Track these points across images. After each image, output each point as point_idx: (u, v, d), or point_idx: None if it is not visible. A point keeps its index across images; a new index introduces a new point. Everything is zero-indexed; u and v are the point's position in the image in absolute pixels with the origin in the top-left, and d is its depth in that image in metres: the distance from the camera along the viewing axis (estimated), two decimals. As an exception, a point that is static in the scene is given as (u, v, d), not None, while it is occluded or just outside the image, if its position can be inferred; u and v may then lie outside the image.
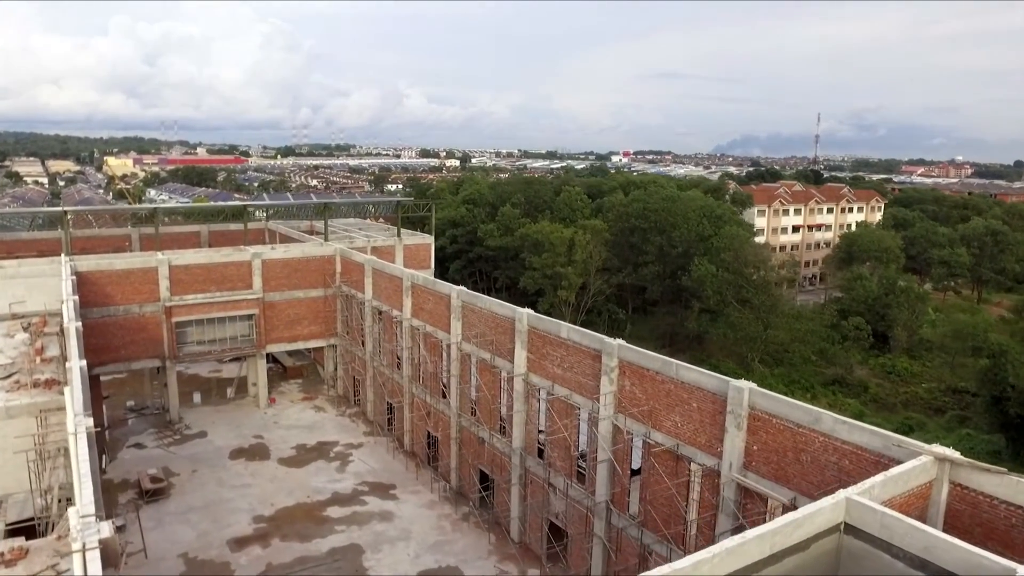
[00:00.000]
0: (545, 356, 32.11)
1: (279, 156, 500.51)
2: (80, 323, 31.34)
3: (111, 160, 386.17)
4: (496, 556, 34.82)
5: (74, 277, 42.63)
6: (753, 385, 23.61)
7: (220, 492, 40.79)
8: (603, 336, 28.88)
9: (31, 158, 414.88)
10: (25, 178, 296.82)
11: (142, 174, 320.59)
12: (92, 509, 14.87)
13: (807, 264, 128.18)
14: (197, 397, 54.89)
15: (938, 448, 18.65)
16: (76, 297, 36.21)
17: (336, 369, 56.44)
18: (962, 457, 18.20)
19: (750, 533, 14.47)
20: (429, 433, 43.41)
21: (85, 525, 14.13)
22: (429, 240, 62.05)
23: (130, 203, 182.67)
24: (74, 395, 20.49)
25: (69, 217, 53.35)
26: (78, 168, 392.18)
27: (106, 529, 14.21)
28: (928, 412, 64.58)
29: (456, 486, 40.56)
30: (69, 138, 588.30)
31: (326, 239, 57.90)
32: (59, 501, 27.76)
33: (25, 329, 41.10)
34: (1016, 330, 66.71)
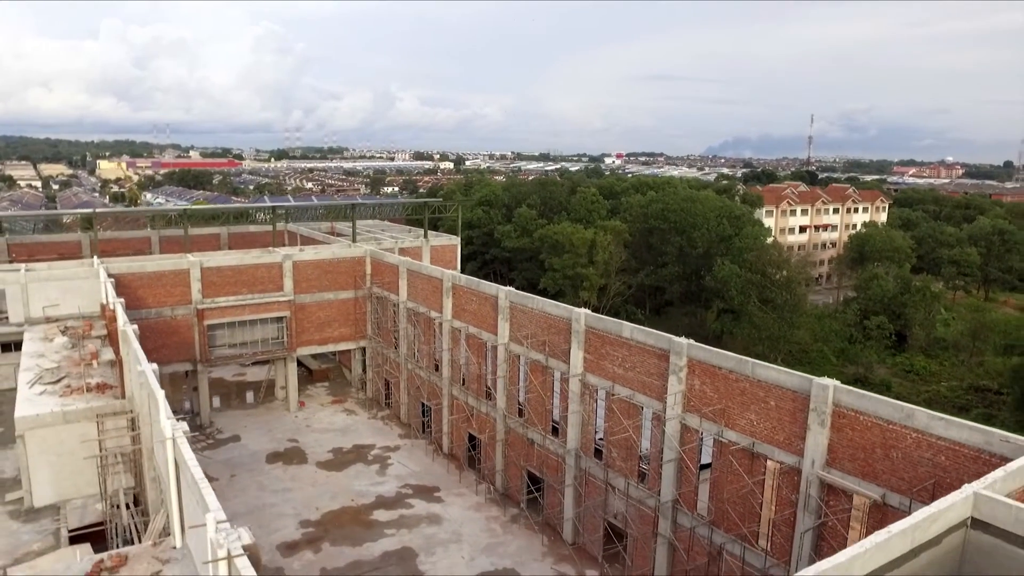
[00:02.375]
0: (604, 356, 31.95)
1: (272, 159, 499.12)
2: (136, 325, 30.92)
3: (103, 163, 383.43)
4: (552, 558, 34.59)
5: (112, 279, 42.13)
6: (837, 382, 23.56)
7: (262, 497, 40.38)
8: (671, 335, 28.76)
9: (23, 161, 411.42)
10: (19, 181, 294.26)
11: (136, 177, 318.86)
12: (223, 515, 14.59)
13: (813, 264, 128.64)
14: (216, 401, 54.23)
15: (1047, 443, 18.61)
16: (122, 300, 35.73)
17: (365, 371, 56.07)
18: (1074, 452, 18.16)
19: (895, 527, 14.34)
20: (471, 435, 43.15)
21: (226, 533, 13.87)
22: (455, 241, 61.82)
23: (128, 206, 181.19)
24: (159, 400, 20.15)
25: (86, 218, 52.81)
26: (71, 172, 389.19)
27: (246, 536, 13.95)
28: (953, 411, 64.73)
29: (502, 488, 40.30)
30: (60, 141, 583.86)
31: (354, 240, 57.55)
32: (126, 506, 27.42)
33: (63, 332, 40.64)
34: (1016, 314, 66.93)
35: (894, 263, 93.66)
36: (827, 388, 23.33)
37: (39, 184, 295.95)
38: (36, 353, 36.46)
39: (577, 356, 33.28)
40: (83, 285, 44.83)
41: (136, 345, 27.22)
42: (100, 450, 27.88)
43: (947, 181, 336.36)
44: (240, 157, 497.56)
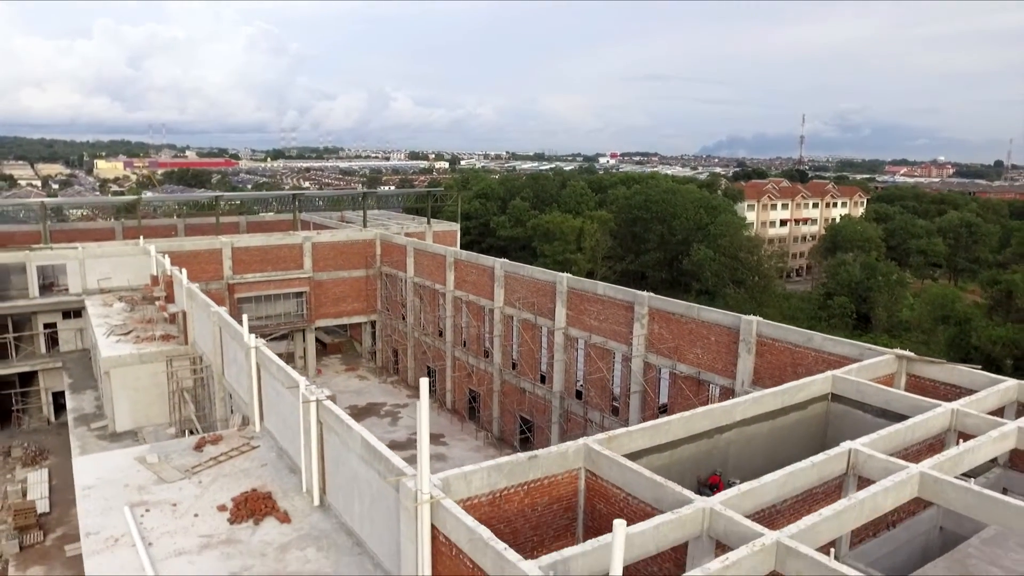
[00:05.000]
0: (583, 312, 38.55)
1: (269, 159, 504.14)
2: (196, 285, 37.37)
3: (101, 163, 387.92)
4: (540, 483, 41.12)
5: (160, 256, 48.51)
6: (760, 318, 30.18)
7: (292, 441, 46.82)
8: (635, 290, 35.36)
9: (19, 161, 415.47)
10: (19, 181, 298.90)
11: (134, 177, 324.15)
12: (307, 382, 21.09)
13: (794, 256, 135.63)
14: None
15: (898, 350, 25.26)
16: (178, 268, 42.13)
17: (375, 343, 62.57)
18: (915, 355, 24.80)
19: (767, 391, 20.95)
20: (471, 390, 49.69)
21: (312, 391, 20.40)
22: (455, 227, 68.45)
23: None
24: (240, 326, 26.58)
25: (127, 205, 59.13)
26: (69, 172, 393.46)
27: (327, 391, 20.47)
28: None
29: (498, 433, 46.88)
30: (55, 141, 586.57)
31: (364, 225, 64.06)
32: (192, 432, 33.84)
33: (120, 300, 47.08)
34: (982, 302, 73.91)
35: (864, 252, 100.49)
36: (752, 322, 29.96)
37: (39, 184, 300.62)
38: (102, 315, 42.86)
39: (561, 313, 39.87)
40: (131, 262, 51.23)
41: (203, 296, 33.67)
42: (171, 381, 34.32)
43: (937, 180, 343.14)
44: (236, 157, 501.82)
